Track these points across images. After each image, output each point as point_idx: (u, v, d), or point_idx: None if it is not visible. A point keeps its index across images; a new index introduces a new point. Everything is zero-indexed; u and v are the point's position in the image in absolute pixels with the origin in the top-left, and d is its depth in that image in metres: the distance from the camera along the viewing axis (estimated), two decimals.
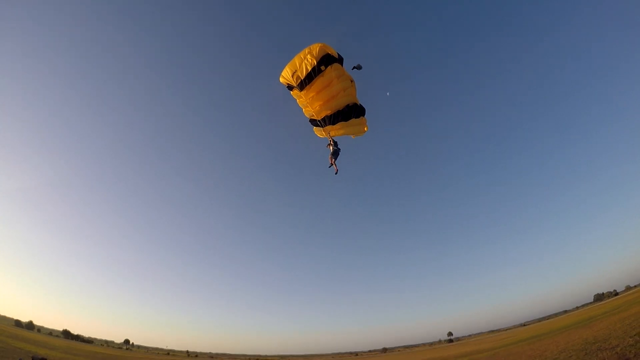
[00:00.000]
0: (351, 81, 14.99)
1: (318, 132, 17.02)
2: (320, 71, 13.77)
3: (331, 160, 16.91)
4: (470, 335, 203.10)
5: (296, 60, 14.07)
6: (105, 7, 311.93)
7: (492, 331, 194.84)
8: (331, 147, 16.95)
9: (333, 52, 13.89)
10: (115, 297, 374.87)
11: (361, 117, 16.15)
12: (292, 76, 14.25)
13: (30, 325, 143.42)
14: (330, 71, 13.98)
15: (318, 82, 14.28)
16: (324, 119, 15.87)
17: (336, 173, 16.89)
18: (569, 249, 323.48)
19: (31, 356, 18.47)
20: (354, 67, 14.94)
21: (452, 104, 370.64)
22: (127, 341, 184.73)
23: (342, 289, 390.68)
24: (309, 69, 13.75)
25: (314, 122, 16.42)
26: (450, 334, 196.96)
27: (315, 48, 13.65)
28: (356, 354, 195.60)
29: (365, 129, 16.95)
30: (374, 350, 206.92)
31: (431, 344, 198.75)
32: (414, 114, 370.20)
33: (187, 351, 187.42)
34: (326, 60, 13.83)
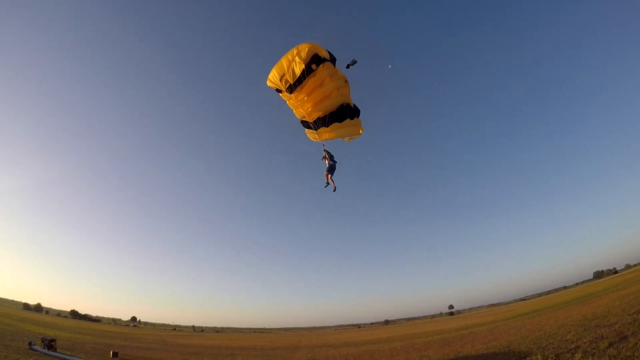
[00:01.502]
0: (345, 81, 13.84)
1: (310, 134, 15.68)
2: (311, 70, 12.57)
3: (327, 178, 15.44)
4: (470, 309, 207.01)
5: (283, 61, 12.81)
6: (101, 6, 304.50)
7: (492, 305, 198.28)
8: (327, 162, 15.50)
9: (324, 52, 12.65)
10: (121, 276, 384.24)
11: (356, 118, 14.92)
12: (280, 80, 13.06)
13: (38, 308, 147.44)
14: (322, 70, 12.78)
15: (309, 82, 13.12)
16: (316, 121, 14.63)
17: (334, 190, 15.42)
18: (571, 225, 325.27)
19: (41, 338, 18.80)
20: (349, 65, 13.80)
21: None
22: (134, 318, 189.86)
23: (345, 262, 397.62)
24: (298, 72, 12.53)
25: (305, 124, 15.11)
26: (451, 307, 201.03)
27: (304, 49, 12.45)
28: (359, 326, 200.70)
29: (361, 130, 15.68)
30: (376, 323, 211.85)
31: (432, 316, 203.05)
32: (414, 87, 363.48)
33: (193, 326, 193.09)
34: (317, 60, 12.62)
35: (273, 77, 13.18)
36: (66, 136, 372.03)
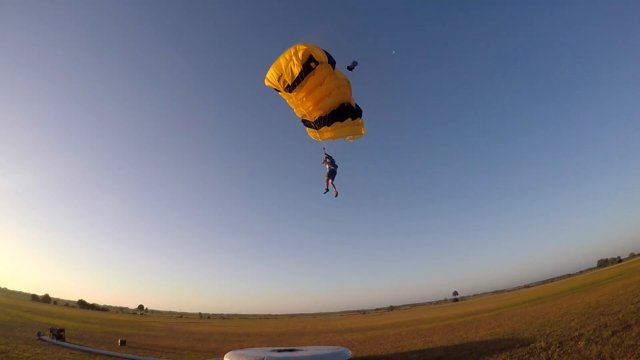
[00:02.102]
0: (347, 81, 13.50)
1: (311, 133, 15.14)
2: (310, 69, 12.14)
3: (327, 182, 14.86)
4: (475, 295, 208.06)
5: (281, 61, 12.36)
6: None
7: (497, 292, 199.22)
8: (327, 166, 14.93)
9: (321, 56, 12.06)
10: (127, 265, 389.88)
11: (358, 118, 14.50)
12: (278, 80, 12.71)
13: (46, 299, 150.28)
14: (322, 69, 12.39)
15: (309, 81, 12.73)
16: (317, 121, 14.19)
17: (336, 195, 14.80)
18: (575, 213, 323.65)
19: (50, 328, 19.18)
20: (350, 67, 13.31)
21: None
22: (141, 307, 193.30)
23: (350, 248, 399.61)
24: (296, 73, 12.13)
25: (306, 123, 14.65)
26: (455, 293, 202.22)
27: (301, 49, 11.91)
28: (364, 312, 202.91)
29: (363, 130, 15.19)
30: (381, 309, 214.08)
31: (437, 302, 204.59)
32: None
33: (200, 313, 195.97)
34: (315, 60, 12.11)
35: (271, 77, 12.86)
36: (72, 129, 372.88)
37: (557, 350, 9.54)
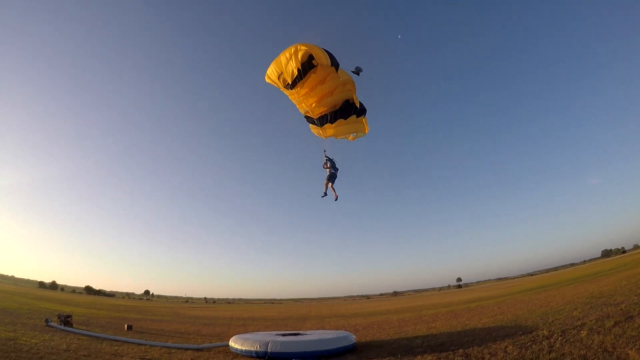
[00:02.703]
0: (351, 79, 13.14)
1: (315, 130, 14.73)
2: (312, 66, 11.82)
3: (326, 187, 14.48)
4: (478, 282, 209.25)
5: (282, 59, 11.99)
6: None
7: (500, 279, 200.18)
8: (328, 170, 14.51)
9: (322, 57, 11.59)
10: (133, 251, 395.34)
11: (362, 116, 14.12)
12: (278, 78, 12.44)
13: (53, 285, 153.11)
14: (324, 67, 11.96)
15: (310, 79, 12.43)
16: (320, 118, 13.81)
17: (336, 199, 14.44)
18: (580, 203, 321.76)
19: (57, 314, 19.33)
20: (353, 72, 12.90)
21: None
22: (147, 292, 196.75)
23: (355, 233, 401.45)
24: (296, 73, 11.81)
25: (309, 119, 14.25)
26: (459, 279, 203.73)
27: (302, 50, 11.54)
28: (368, 297, 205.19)
29: (367, 129, 14.81)
30: (385, 294, 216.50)
31: (440, 288, 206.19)
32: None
33: (205, 298, 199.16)
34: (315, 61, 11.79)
35: (271, 74, 12.61)
36: (80, 116, 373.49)
37: (560, 338, 9.64)
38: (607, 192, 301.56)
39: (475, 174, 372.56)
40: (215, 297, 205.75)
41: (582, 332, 9.96)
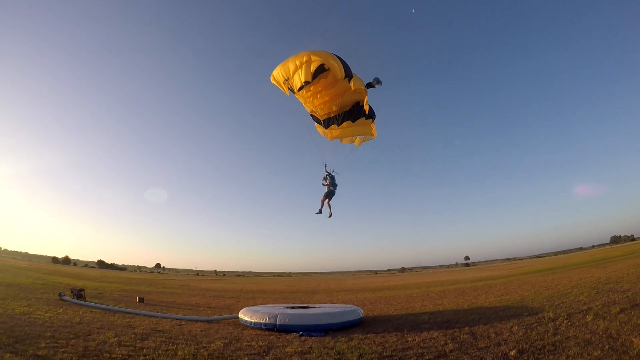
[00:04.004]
0: (362, 83, 12.04)
1: (320, 129, 13.99)
2: (323, 70, 11.13)
3: (323, 203, 14.11)
4: (486, 261, 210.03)
5: (290, 65, 11.24)
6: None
7: (508, 259, 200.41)
8: (327, 187, 14.09)
9: (338, 71, 10.86)
10: (144, 224, 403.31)
11: (370, 120, 13.32)
12: (284, 83, 11.78)
13: (66, 260, 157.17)
14: (335, 74, 11.21)
15: (320, 83, 11.78)
16: (326, 120, 13.17)
17: (330, 216, 14.00)
18: (591, 187, 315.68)
19: (70, 288, 19.78)
20: (370, 84, 12.07)
21: None
22: (158, 265, 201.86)
23: (363, 209, 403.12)
24: (303, 82, 11.14)
25: (316, 118, 13.55)
26: (467, 258, 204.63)
27: (315, 61, 10.79)
28: (375, 272, 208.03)
29: (375, 133, 14.02)
30: (393, 270, 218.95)
31: (448, 266, 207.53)
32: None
33: (215, 271, 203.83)
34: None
35: (278, 76, 11.96)
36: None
37: (565, 322, 9.82)
38: (619, 178, 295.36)
39: (489, 155, 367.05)
40: (225, 270, 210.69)
41: (587, 316, 10.11)
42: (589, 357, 6.24)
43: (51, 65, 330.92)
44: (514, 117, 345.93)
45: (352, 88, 11.77)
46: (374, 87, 12.18)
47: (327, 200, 14.07)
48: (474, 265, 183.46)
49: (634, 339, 7.00)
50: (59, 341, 8.35)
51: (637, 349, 6.31)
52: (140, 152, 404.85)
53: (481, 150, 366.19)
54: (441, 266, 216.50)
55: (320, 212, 14.06)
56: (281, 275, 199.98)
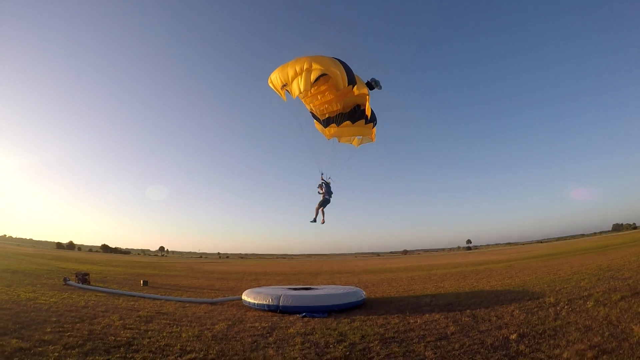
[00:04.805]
0: (367, 91, 11.67)
1: (318, 126, 13.65)
2: (324, 74, 10.73)
3: (317, 212, 14.12)
4: (488, 245, 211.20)
5: (289, 71, 10.68)
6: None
7: (510, 244, 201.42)
8: (322, 195, 14.01)
9: (340, 80, 10.46)
10: (148, 208, 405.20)
11: (371, 124, 12.96)
12: (281, 89, 11.27)
13: (70, 246, 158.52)
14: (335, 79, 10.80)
15: (320, 86, 11.61)
16: (326, 120, 12.86)
17: (322, 223, 14.05)
18: (594, 175, 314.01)
19: (75, 273, 19.97)
20: (369, 85, 11.72)
21: None
22: (162, 248, 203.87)
23: (366, 192, 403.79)
24: (301, 91, 10.72)
25: (314, 115, 13.25)
26: (469, 241, 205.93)
27: (315, 70, 10.33)
28: (378, 254, 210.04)
29: (374, 137, 13.74)
30: (395, 252, 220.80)
31: (450, 250, 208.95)
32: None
33: (219, 253, 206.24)
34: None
35: (275, 80, 11.47)
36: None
37: (566, 307, 9.91)
38: (623, 166, 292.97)
39: (493, 139, 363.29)
40: (229, 252, 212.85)
41: (588, 302, 10.19)
42: (589, 343, 6.32)
43: (50, 64, 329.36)
44: (520, 100, 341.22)
45: (355, 93, 11.50)
46: (373, 88, 11.86)
47: (321, 208, 14.14)
48: (476, 248, 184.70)
49: (634, 327, 7.07)
50: (65, 325, 8.48)
51: (637, 337, 6.38)
52: (140, 137, 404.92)
53: (486, 134, 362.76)
54: (443, 249, 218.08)
55: (314, 220, 14.15)
56: (284, 257, 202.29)
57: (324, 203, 14.01)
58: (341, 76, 10.57)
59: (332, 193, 14.07)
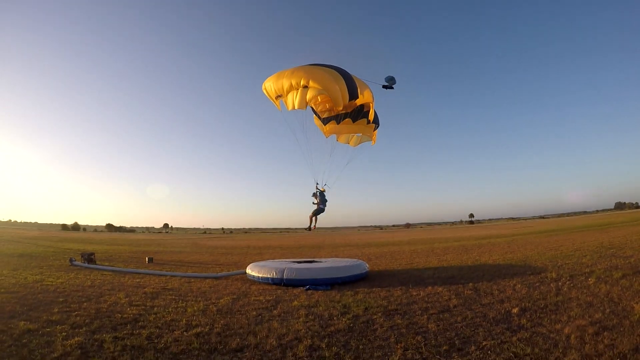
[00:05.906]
0: (372, 98, 11.29)
1: (317, 122, 13.28)
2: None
3: (311, 220, 14.16)
4: (490, 220, 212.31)
5: (285, 82, 10.42)
6: None
7: (512, 218, 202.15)
8: (317, 204, 13.91)
9: (340, 99, 9.87)
10: (151, 185, 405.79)
11: (373, 124, 12.51)
12: (276, 98, 10.83)
13: (75, 227, 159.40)
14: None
15: (320, 97, 10.78)
16: (326, 119, 12.49)
17: (314, 229, 14.16)
18: (599, 153, 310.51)
19: (80, 253, 20.08)
20: (385, 86, 11.11)
21: None
22: (166, 225, 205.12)
23: (370, 165, 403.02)
24: (297, 108, 10.26)
25: (314, 111, 12.84)
26: (471, 215, 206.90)
27: (313, 89, 9.80)
28: (381, 227, 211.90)
29: (374, 139, 13.36)
30: (398, 225, 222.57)
31: (452, 223, 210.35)
32: None
33: (223, 229, 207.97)
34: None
35: (269, 89, 11.02)
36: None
37: (567, 282, 10.02)
38: (628, 144, 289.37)
39: (501, 112, 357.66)
40: (233, 227, 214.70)
41: (589, 279, 10.28)
42: (590, 319, 6.41)
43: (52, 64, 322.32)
44: (523, 75, 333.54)
45: (357, 104, 11.03)
46: (391, 88, 11.28)
47: (314, 217, 14.18)
48: (479, 223, 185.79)
49: (635, 305, 7.14)
50: (72, 305, 8.58)
51: (637, 315, 6.44)
52: (142, 115, 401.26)
53: (489, 108, 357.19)
54: (446, 223, 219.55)
55: (309, 229, 14.31)
56: (287, 231, 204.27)
57: (318, 212, 14.05)
58: (341, 94, 10.02)
59: (326, 201, 14.07)
